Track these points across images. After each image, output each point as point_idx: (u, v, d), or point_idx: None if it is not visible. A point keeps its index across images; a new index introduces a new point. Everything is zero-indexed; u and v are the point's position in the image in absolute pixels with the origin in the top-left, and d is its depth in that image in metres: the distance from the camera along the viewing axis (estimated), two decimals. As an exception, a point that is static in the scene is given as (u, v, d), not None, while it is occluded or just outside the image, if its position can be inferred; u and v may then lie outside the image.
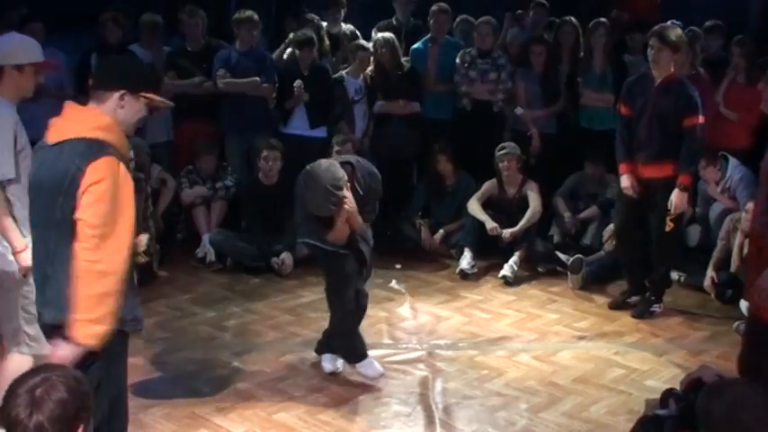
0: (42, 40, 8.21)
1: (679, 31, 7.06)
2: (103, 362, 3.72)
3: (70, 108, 3.78)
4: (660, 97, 6.95)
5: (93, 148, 3.61)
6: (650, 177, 7.09)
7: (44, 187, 3.69)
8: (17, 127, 4.73)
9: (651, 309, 7.37)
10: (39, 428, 2.68)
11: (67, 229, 3.60)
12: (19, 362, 4.79)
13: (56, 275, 3.67)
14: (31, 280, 4.39)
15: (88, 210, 3.57)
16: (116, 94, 3.74)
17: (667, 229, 7.09)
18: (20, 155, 4.72)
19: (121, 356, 3.88)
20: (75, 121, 3.71)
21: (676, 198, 6.96)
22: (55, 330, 3.72)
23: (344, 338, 6.15)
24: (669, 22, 7.53)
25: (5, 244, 4.72)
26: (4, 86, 4.77)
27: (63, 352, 3.60)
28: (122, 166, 3.64)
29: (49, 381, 2.76)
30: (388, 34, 9.13)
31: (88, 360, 3.65)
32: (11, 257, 4.71)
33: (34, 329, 4.67)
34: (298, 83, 8.69)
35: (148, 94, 3.83)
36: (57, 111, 3.87)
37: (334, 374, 6.12)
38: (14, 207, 4.73)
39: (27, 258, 4.56)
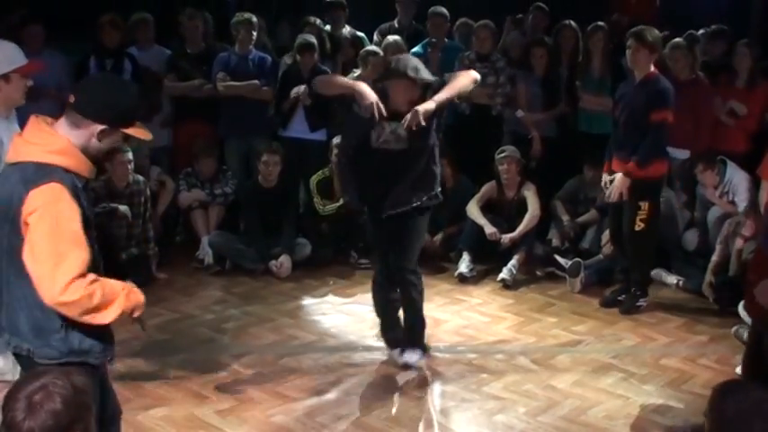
0: (42, 43, 8.31)
1: (656, 32, 7.16)
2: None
3: (32, 126, 3.57)
4: (636, 95, 7.07)
5: (39, 174, 3.42)
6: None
7: None
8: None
9: (637, 303, 7.44)
10: None
11: (15, 258, 3.46)
12: None
13: (11, 304, 3.55)
14: None
15: (28, 246, 3.40)
16: (95, 128, 3.55)
17: (637, 228, 7.15)
18: None
19: (88, 392, 3.35)
20: (31, 143, 3.51)
21: (617, 181, 7.12)
22: (21, 358, 3.61)
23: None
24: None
25: None
26: None
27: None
28: (66, 192, 3.41)
29: (47, 389, 2.76)
30: (396, 37, 9.12)
31: None
32: None
33: (1, 360, 4.60)
34: (296, 90, 8.68)
35: (128, 130, 3.64)
36: (56, 111, 3.75)
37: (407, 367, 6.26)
38: None
39: None
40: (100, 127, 3.55)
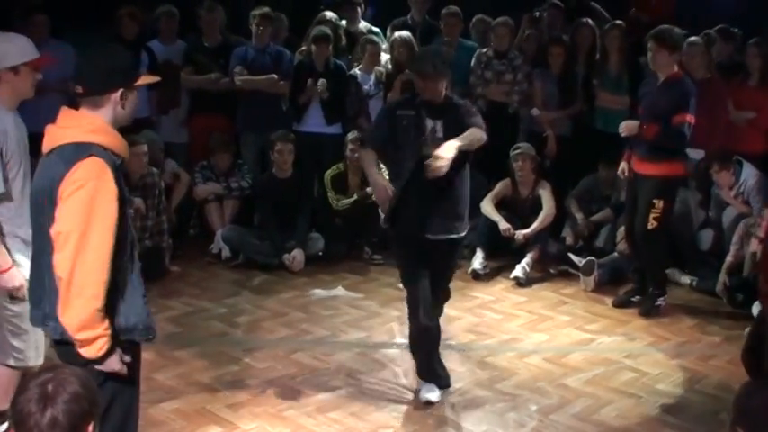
0: (46, 33, 8.29)
1: (677, 31, 7.10)
2: (116, 379, 3.62)
3: (63, 114, 3.62)
4: (660, 96, 7.02)
5: (78, 151, 3.46)
6: (641, 174, 7.20)
7: (36, 197, 3.60)
8: (5, 138, 4.52)
9: (656, 303, 7.41)
10: (52, 423, 2.63)
11: None
12: (7, 375, 4.72)
13: (52, 288, 3.53)
14: (20, 293, 4.37)
15: (61, 216, 3.42)
16: (115, 96, 3.60)
17: (650, 226, 7.13)
18: (7, 166, 4.54)
19: (134, 367, 3.72)
20: (66, 127, 3.57)
21: (627, 123, 7.15)
22: (64, 347, 3.61)
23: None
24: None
25: None
26: (1, 92, 4.58)
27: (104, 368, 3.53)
28: (108, 169, 3.46)
29: (61, 376, 2.72)
30: (405, 33, 9.11)
31: (100, 377, 3.52)
32: None
33: (20, 342, 4.64)
34: (321, 82, 8.70)
35: (140, 82, 3.76)
36: (61, 103, 3.76)
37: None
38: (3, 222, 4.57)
39: (10, 279, 4.51)
40: (118, 92, 3.61)
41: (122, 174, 3.66)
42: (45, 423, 2.64)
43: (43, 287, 3.60)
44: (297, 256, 8.24)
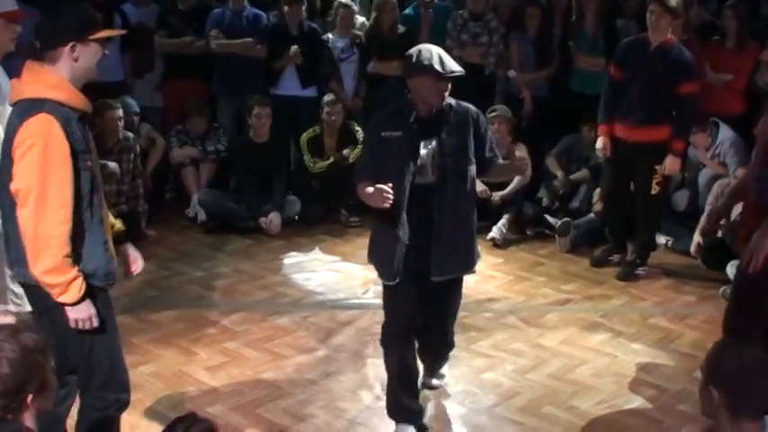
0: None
1: None
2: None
3: (26, 68, 3.71)
4: (656, 61, 6.98)
5: (31, 107, 3.56)
6: (639, 141, 7.12)
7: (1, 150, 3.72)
8: None
9: (636, 271, 7.43)
10: None
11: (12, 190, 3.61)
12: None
13: (15, 235, 3.67)
14: None
15: (18, 173, 3.54)
16: (65, 49, 3.67)
17: (653, 192, 7.16)
18: None
19: (107, 311, 3.86)
20: (27, 83, 3.66)
21: (670, 162, 7.05)
22: (29, 288, 3.79)
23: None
24: None
25: None
26: None
27: (72, 315, 3.67)
28: (57, 124, 3.53)
29: None
30: None
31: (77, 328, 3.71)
32: None
33: (19, 287, 4.66)
34: (294, 49, 8.66)
35: (97, 35, 3.75)
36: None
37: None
38: None
39: None
40: (68, 45, 3.66)
41: (85, 126, 3.77)
42: None
43: (5, 235, 3.77)
44: (273, 219, 8.23)
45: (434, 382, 5.45)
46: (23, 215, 3.54)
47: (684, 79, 6.94)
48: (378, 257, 4.89)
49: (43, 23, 3.76)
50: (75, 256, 3.66)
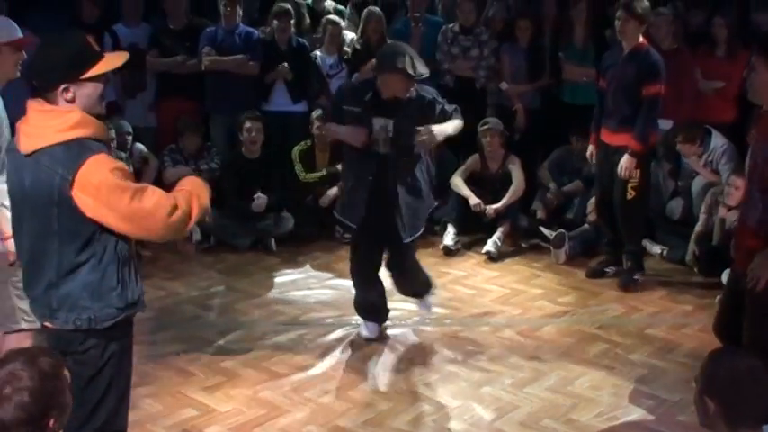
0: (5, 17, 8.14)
1: (645, 2, 7.09)
2: (116, 359, 3.71)
3: (33, 112, 3.57)
4: (625, 66, 7.08)
5: (72, 153, 3.46)
6: (618, 145, 7.21)
7: (31, 199, 3.58)
8: None
9: (634, 277, 7.43)
10: (1, 425, 2.71)
11: (71, 237, 3.54)
12: (17, 339, 4.73)
13: (66, 280, 3.60)
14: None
15: (114, 215, 3.51)
16: (57, 92, 3.54)
17: (629, 197, 7.16)
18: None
19: (130, 353, 3.84)
20: (43, 127, 3.52)
21: (624, 162, 7.09)
22: (72, 338, 3.66)
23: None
24: None
25: None
26: None
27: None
28: (106, 157, 3.52)
29: (13, 381, 2.74)
30: (376, 8, 9.11)
31: (99, 363, 3.66)
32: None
33: (28, 305, 4.64)
34: (282, 66, 8.72)
35: (90, 74, 3.58)
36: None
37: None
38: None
39: (11, 247, 4.45)
40: (60, 88, 3.54)
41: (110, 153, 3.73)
42: None
43: (46, 283, 3.64)
44: (260, 197, 8.31)
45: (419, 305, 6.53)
46: (149, 204, 3.54)
47: (646, 80, 6.99)
48: (343, 209, 6.09)
49: (34, 63, 3.63)
50: (123, 287, 3.66)
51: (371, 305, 6.36)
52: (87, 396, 3.66)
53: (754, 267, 4.52)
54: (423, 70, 5.66)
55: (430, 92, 6.01)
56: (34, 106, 3.58)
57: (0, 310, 4.78)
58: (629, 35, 7.04)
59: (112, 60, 3.69)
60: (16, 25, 4.76)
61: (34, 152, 3.51)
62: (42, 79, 3.57)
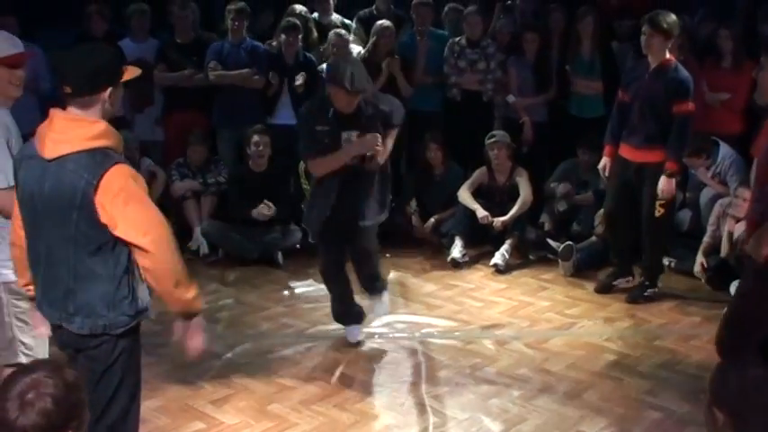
0: (17, 35, 8.17)
1: (672, 17, 7.02)
2: (126, 354, 3.83)
3: (59, 120, 3.69)
4: (652, 82, 7.00)
5: (97, 160, 3.60)
6: (642, 162, 7.14)
7: (50, 204, 3.67)
8: (9, 133, 4.44)
9: (645, 294, 7.40)
10: (22, 430, 2.69)
11: (87, 242, 3.66)
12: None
13: (83, 288, 3.72)
14: (23, 289, 4.28)
15: (126, 222, 3.62)
16: (103, 95, 3.70)
17: (657, 214, 7.13)
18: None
19: (139, 351, 3.96)
20: (70, 134, 3.65)
21: (663, 184, 7.00)
22: (85, 339, 3.78)
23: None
24: None
25: None
26: None
27: (194, 342, 4.01)
28: (130, 168, 3.68)
29: (38, 387, 2.73)
30: (387, 22, 9.12)
31: (111, 358, 3.78)
32: (2, 270, 4.49)
33: (29, 338, 4.60)
34: (300, 80, 8.75)
35: (125, 77, 3.82)
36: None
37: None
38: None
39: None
40: (107, 91, 3.71)
41: None
42: (17, 429, 2.69)
43: (64, 289, 3.75)
44: (263, 206, 8.34)
45: (373, 301, 6.64)
46: (158, 258, 3.67)
47: (677, 98, 6.94)
48: (308, 219, 6.39)
49: (77, 67, 3.70)
50: (134, 294, 3.80)
51: (345, 310, 6.57)
52: (100, 391, 3.77)
53: (752, 243, 4.54)
54: (361, 85, 5.81)
55: (392, 103, 6.33)
56: (60, 115, 3.70)
57: None
58: (656, 50, 6.97)
59: (134, 69, 3.90)
60: (17, 40, 4.63)
61: (59, 158, 3.63)
62: (89, 82, 3.68)
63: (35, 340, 4.59)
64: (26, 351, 4.64)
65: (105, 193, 3.57)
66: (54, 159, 3.64)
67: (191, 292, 3.85)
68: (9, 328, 4.63)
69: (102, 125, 3.68)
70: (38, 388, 2.73)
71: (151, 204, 3.72)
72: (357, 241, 6.33)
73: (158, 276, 3.72)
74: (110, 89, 3.71)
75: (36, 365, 2.90)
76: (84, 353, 3.80)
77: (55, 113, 3.71)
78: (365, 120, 6.00)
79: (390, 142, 6.20)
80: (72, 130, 3.66)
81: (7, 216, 4.28)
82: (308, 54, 9.03)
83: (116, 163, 3.61)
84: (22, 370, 2.85)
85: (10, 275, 4.42)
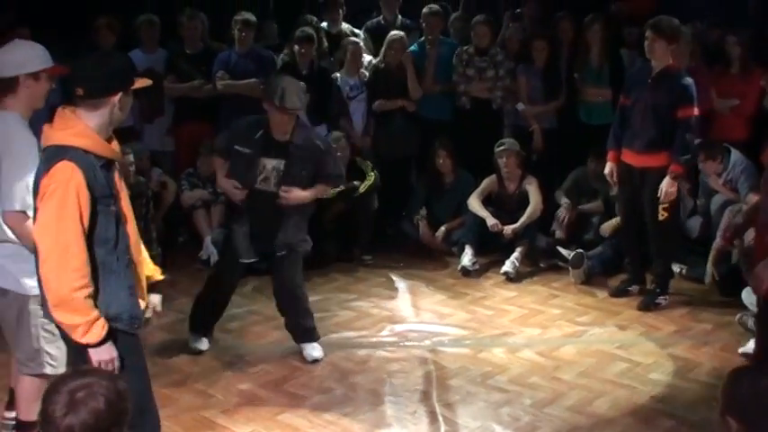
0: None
1: (675, 22, 7.05)
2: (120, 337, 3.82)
3: (58, 114, 3.79)
4: (655, 87, 7.01)
5: (56, 154, 3.66)
6: (644, 166, 7.17)
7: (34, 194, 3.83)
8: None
9: (657, 301, 7.38)
10: (68, 430, 2.71)
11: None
12: (36, 384, 4.65)
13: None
14: None
15: (38, 221, 3.68)
16: (113, 99, 3.77)
17: (661, 218, 7.13)
18: None
19: (133, 353, 3.90)
20: (55, 129, 3.75)
21: (666, 186, 7.03)
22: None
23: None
24: None
25: (22, 266, 4.44)
26: (18, 99, 4.51)
27: (94, 356, 3.72)
28: (78, 172, 3.61)
29: (91, 388, 2.76)
30: (400, 33, 9.14)
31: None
32: (26, 280, 4.47)
33: (55, 349, 4.61)
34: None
35: (136, 85, 3.89)
36: (43, 111, 4.05)
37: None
38: None
39: None
40: (117, 96, 3.78)
41: (111, 173, 3.86)
42: (62, 429, 2.71)
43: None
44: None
45: (307, 351, 6.36)
46: (45, 269, 3.64)
47: (680, 104, 6.94)
48: (227, 239, 6.51)
49: (91, 71, 3.81)
50: (99, 298, 3.73)
51: (203, 318, 6.60)
52: None
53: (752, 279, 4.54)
54: (292, 104, 5.88)
55: (325, 142, 6.42)
56: (60, 111, 3.80)
57: (24, 350, 4.70)
58: (659, 55, 6.99)
59: (144, 80, 3.98)
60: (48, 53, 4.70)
61: (43, 150, 3.79)
62: (101, 86, 3.76)
63: (60, 351, 4.59)
64: (51, 362, 4.65)
65: (43, 186, 3.64)
66: (43, 150, 3.80)
67: (72, 320, 3.67)
68: (35, 339, 4.63)
69: (81, 125, 3.73)
70: (91, 388, 2.76)
71: (68, 216, 3.60)
72: (275, 271, 6.37)
73: (44, 286, 3.71)
74: (120, 95, 3.77)
75: (91, 370, 2.98)
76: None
77: (58, 110, 3.81)
78: (293, 149, 6.01)
79: (313, 193, 6.19)
80: (60, 124, 3.75)
81: (20, 239, 4.36)
82: (322, 64, 9.04)
83: (65, 159, 3.62)
84: (76, 372, 2.90)
85: (36, 288, 4.43)
